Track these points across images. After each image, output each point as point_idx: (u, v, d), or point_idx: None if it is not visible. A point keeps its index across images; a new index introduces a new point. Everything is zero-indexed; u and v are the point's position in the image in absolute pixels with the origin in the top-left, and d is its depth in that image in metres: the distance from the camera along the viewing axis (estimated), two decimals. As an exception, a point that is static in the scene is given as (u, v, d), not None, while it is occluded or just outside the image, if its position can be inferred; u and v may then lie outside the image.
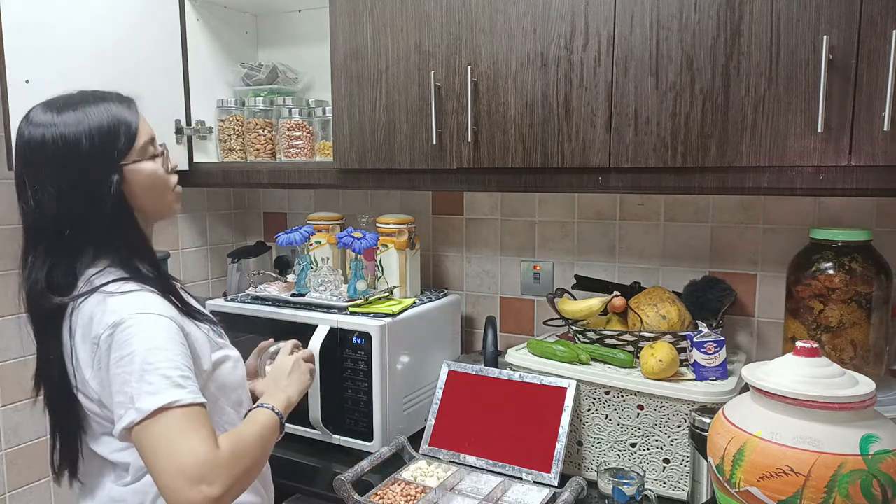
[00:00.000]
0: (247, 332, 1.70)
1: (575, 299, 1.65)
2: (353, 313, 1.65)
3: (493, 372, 1.60)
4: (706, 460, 1.16)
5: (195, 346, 1.10)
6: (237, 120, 1.98)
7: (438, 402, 1.62)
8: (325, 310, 1.69)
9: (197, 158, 1.97)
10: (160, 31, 1.84)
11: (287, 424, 1.20)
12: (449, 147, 1.52)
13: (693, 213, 1.71)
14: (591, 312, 1.58)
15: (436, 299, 1.84)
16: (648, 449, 1.43)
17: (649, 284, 1.70)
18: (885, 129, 1.13)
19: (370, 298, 1.73)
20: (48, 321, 1.09)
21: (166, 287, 1.12)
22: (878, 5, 1.12)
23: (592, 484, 1.43)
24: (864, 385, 1.02)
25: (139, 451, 0.99)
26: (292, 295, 1.78)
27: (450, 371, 1.64)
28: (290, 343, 1.39)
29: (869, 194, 1.26)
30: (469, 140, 1.48)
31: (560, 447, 1.44)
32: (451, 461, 1.54)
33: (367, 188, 1.89)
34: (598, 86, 1.36)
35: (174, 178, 1.20)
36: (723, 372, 1.41)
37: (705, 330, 1.43)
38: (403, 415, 1.68)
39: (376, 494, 1.41)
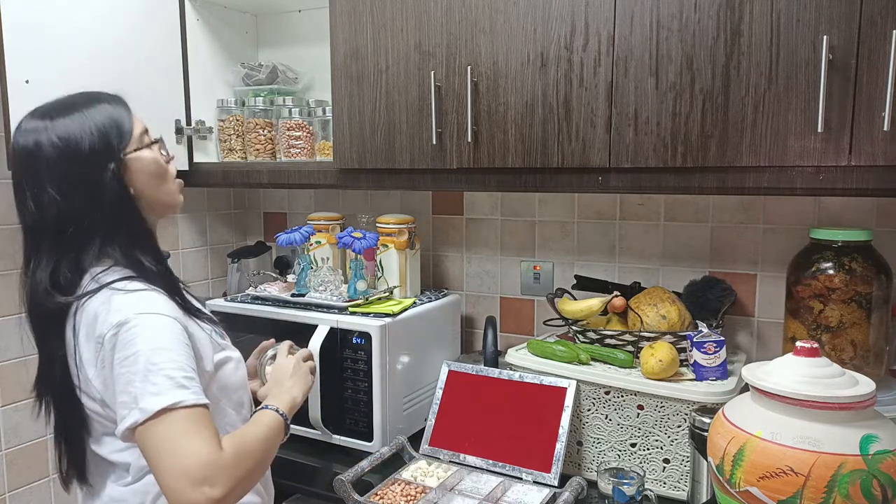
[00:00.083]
0: (247, 333, 1.70)
1: (575, 299, 1.65)
2: (353, 313, 1.65)
3: (493, 372, 1.60)
4: (706, 460, 1.16)
5: (198, 347, 1.09)
6: (237, 120, 1.98)
7: (438, 402, 1.62)
8: (325, 310, 1.69)
9: (197, 158, 1.97)
10: (160, 31, 1.84)
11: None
12: (449, 147, 1.52)
13: (693, 213, 1.71)
14: (591, 312, 1.58)
15: (436, 299, 1.84)
16: (648, 449, 1.43)
17: (649, 284, 1.70)
18: (885, 129, 1.13)
19: (370, 298, 1.73)
20: (51, 321, 1.09)
21: (171, 287, 1.12)
22: (878, 5, 1.12)
23: (592, 484, 1.43)
24: (864, 385, 1.02)
25: (142, 451, 0.99)
26: (292, 295, 1.78)
27: (450, 371, 1.64)
28: (286, 344, 1.39)
29: (869, 194, 1.26)
30: (469, 140, 1.48)
31: (560, 447, 1.44)
32: (451, 461, 1.54)
33: (367, 188, 1.89)
34: (598, 86, 1.36)
35: (173, 168, 1.21)
36: (723, 372, 1.41)
37: (705, 330, 1.43)
38: (403, 415, 1.68)
39: (376, 494, 1.41)
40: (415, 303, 1.76)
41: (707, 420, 1.23)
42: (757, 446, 1.01)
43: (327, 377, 1.62)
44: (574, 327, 1.62)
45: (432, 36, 1.51)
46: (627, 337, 1.51)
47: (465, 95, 1.47)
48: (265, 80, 1.99)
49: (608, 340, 1.54)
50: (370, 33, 1.59)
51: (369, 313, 1.64)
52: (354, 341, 1.60)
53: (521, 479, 1.46)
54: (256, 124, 1.95)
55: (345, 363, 1.62)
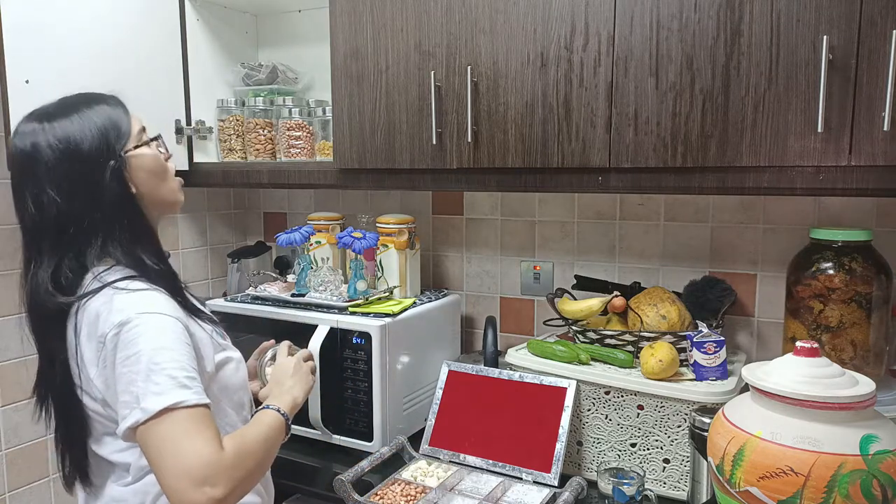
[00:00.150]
0: (247, 333, 1.70)
1: (575, 299, 1.65)
2: (353, 313, 1.65)
3: (493, 372, 1.60)
4: (706, 460, 1.16)
5: (199, 347, 1.10)
6: (237, 120, 1.98)
7: (438, 402, 1.62)
8: (325, 310, 1.69)
9: (197, 158, 1.97)
10: (160, 31, 1.84)
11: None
12: (449, 147, 1.52)
13: (693, 213, 1.71)
14: (591, 312, 1.58)
15: (436, 299, 1.84)
16: (648, 449, 1.43)
17: (649, 284, 1.70)
18: (885, 129, 1.13)
19: (370, 298, 1.73)
20: (52, 321, 1.09)
21: (173, 286, 1.13)
22: (878, 5, 1.12)
23: (592, 484, 1.43)
24: (864, 385, 1.02)
25: (143, 451, 0.99)
26: (292, 295, 1.78)
27: (450, 371, 1.64)
28: (285, 345, 1.39)
29: (869, 194, 1.26)
30: (469, 140, 1.48)
31: (560, 447, 1.44)
32: (451, 461, 1.54)
33: (367, 188, 1.89)
34: (598, 86, 1.36)
35: (172, 166, 1.21)
36: (723, 372, 1.41)
37: (705, 330, 1.43)
38: (403, 415, 1.68)
39: (376, 494, 1.41)
40: (415, 303, 1.76)
41: (707, 420, 1.23)
42: (757, 446, 1.01)
43: (327, 377, 1.62)
44: (574, 327, 1.62)
45: (432, 36, 1.51)
46: (627, 337, 1.51)
47: (465, 95, 1.47)
48: (265, 80, 1.99)
49: (608, 340, 1.54)
50: (370, 33, 1.59)
51: (369, 313, 1.64)
52: (354, 341, 1.60)
53: (521, 479, 1.46)
54: (256, 124, 1.95)
55: (345, 363, 1.62)
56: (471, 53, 1.47)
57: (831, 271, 1.39)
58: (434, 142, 1.51)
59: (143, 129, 1.16)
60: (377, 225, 1.85)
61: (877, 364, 1.40)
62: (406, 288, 1.83)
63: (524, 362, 1.57)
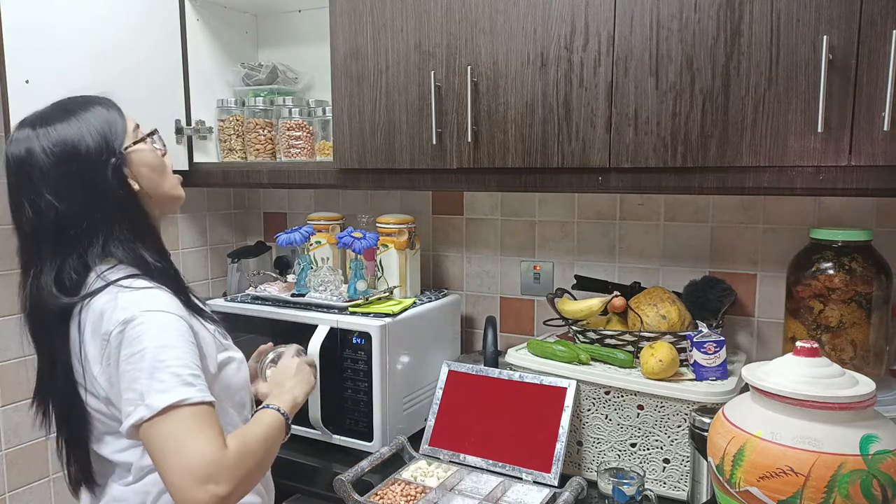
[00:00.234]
0: (247, 333, 1.70)
1: (575, 299, 1.65)
2: (353, 313, 1.65)
3: (493, 372, 1.60)
4: (706, 460, 1.16)
5: (203, 347, 1.10)
6: (237, 120, 1.98)
7: (438, 402, 1.62)
8: (325, 310, 1.69)
9: (197, 158, 1.97)
10: (160, 31, 1.84)
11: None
12: (449, 147, 1.52)
13: (693, 213, 1.71)
14: (591, 312, 1.58)
15: (436, 299, 1.84)
16: (648, 449, 1.43)
17: (649, 284, 1.70)
18: (885, 129, 1.13)
19: (370, 298, 1.73)
20: (55, 323, 1.09)
21: (176, 285, 1.13)
22: (878, 5, 1.12)
23: (592, 484, 1.43)
24: (864, 385, 1.02)
25: (147, 448, 0.99)
26: (292, 295, 1.78)
27: (450, 371, 1.64)
28: (293, 347, 1.39)
29: (869, 194, 1.26)
30: (469, 140, 1.48)
31: (560, 447, 1.44)
32: (451, 461, 1.54)
33: (367, 188, 1.89)
34: (598, 86, 1.36)
35: (169, 161, 1.21)
36: (723, 372, 1.41)
37: (705, 330, 1.43)
38: (403, 415, 1.68)
39: (376, 494, 1.41)
40: (415, 303, 1.76)
41: (707, 420, 1.23)
42: (757, 446, 1.01)
43: (327, 377, 1.62)
44: (574, 327, 1.62)
45: (432, 36, 1.51)
46: (627, 337, 1.51)
47: (465, 95, 1.47)
48: (265, 80, 2.00)
49: (608, 340, 1.54)
50: (370, 33, 1.59)
51: (369, 313, 1.64)
52: (354, 341, 1.60)
53: (521, 479, 1.46)
54: (256, 124, 1.95)
55: (345, 363, 1.62)
56: (471, 53, 1.47)
57: (831, 271, 1.39)
58: (434, 142, 1.51)
59: (138, 127, 1.17)
60: (377, 225, 1.85)
61: (877, 364, 1.40)
62: (406, 288, 1.83)
63: (524, 362, 1.57)
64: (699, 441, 1.26)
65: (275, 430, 1.12)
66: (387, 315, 1.63)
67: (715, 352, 1.41)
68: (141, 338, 1.00)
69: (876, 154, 1.15)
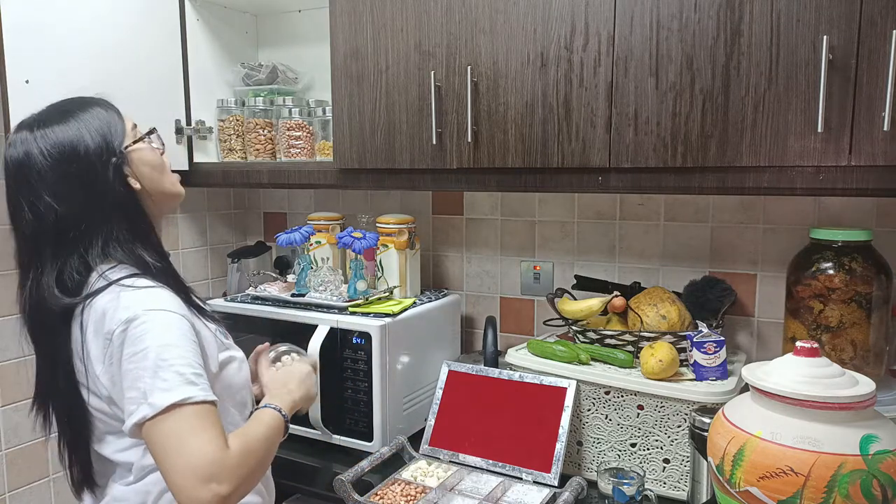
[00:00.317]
0: (247, 333, 1.70)
1: (575, 299, 1.65)
2: (353, 313, 1.65)
3: (493, 372, 1.60)
4: (706, 460, 1.16)
5: (204, 346, 1.10)
6: (237, 120, 1.98)
7: (438, 402, 1.62)
8: (325, 310, 1.69)
9: (197, 158, 1.97)
10: (160, 31, 1.84)
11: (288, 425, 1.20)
12: (449, 147, 1.52)
13: (693, 213, 1.71)
14: (591, 312, 1.58)
15: (436, 299, 1.84)
16: (648, 449, 1.43)
17: (649, 284, 1.70)
18: (885, 129, 1.13)
19: (370, 298, 1.73)
20: (56, 323, 1.09)
21: (178, 285, 1.13)
22: (878, 5, 1.12)
23: (592, 484, 1.43)
24: (864, 385, 1.02)
25: (149, 447, 0.99)
26: (292, 295, 1.78)
27: (450, 371, 1.64)
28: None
29: (869, 194, 1.26)
30: (469, 140, 1.48)
31: (560, 447, 1.44)
32: (451, 461, 1.54)
33: (367, 188, 1.89)
34: (598, 86, 1.36)
35: (167, 159, 1.22)
36: (723, 372, 1.41)
37: (705, 330, 1.43)
38: (403, 415, 1.68)
39: (376, 494, 1.41)
40: (415, 303, 1.76)
41: (707, 420, 1.23)
42: (757, 446, 1.01)
43: (327, 377, 1.62)
44: (574, 327, 1.62)
45: (432, 36, 1.51)
46: (627, 337, 1.51)
47: (465, 95, 1.47)
48: (265, 80, 2.00)
49: (608, 340, 1.54)
50: (370, 33, 1.59)
51: (369, 313, 1.64)
52: (354, 341, 1.60)
53: (521, 479, 1.46)
54: (256, 124, 1.95)
55: (345, 363, 1.62)
56: (471, 53, 1.47)
57: (831, 271, 1.39)
58: (434, 142, 1.52)
59: (136, 126, 1.17)
60: (377, 225, 1.85)
61: (877, 364, 1.40)
62: (406, 288, 1.83)
63: (524, 362, 1.57)
64: (699, 441, 1.26)
65: (275, 430, 1.12)
66: (387, 315, 1.63)
67: (715, 352, 1.41)
68: (144, 337, 1.00)
69: (876, 154, 1.15)
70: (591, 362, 1.52)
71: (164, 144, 1.22)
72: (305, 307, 1.72)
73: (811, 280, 1.41)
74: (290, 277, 1.91)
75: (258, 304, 1.77)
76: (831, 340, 1.39)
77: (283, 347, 1.42)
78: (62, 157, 1.07)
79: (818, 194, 1.42)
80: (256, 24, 2.19)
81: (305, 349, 1.51)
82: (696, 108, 1.28)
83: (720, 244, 1.69)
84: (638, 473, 1.37)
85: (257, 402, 1.32)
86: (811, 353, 1.05)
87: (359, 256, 1.74)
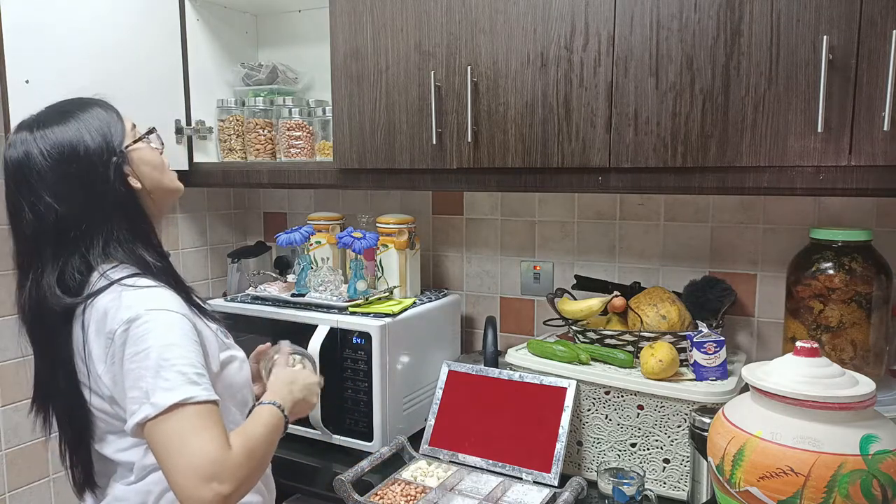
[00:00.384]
0: (247, 333, 1.70)
1: (575, 299, 1.65)
2: (353, 313, 1.65)
3: (493, 372, 1.60)
4: (706, 460, 1.16)
5: (206, 345, 1.10)
6: (237, 120, 1.98)
7: (438, 402, 1.62)
8: (325, 310, 1.69)
9: (197, 158, 1.97)
10: (160, 31, 1.84)
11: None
12: (449, 147, 1.52)
13: (693, 213, 1.71)
14: (591, 312, 1.58)
15: (436, 299, 1.84)
16: (648, 449, 1.43)
17: (649, 284, 1.70)
18: (885, 129, 1.13)
19: (370, 298, 1.73)
20: (57, 324, 1.09)
21: (179, 285, 1.13)
22: (878, 5, 1.12)
23: (592, 484, 1.43)
24: (864, 385, 1.02)
25: (151, 446, 0.99)
26: (292, 295, 1.78)
27: (450, 371, 1.64)
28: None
29: (869, 194, 1.26)
30: (469, 140, 1.48)
31: (560, 447, 1.44)
32: (451, 461, 1.54)
33: (367, 188, 1.89)
34: (598, 86, 1.36)
35: (166, 158, 1.22)
36: (723, 372, 1.41)
37: (705, 330, 1.43)
38: (403, 415, 1.68)
39: (376, 494, 1.41)
40: (415, 303, 1.76)
41: (707, 420, 1.23)
42: (757, 446, 1.01)
43: (327, 377, 1.61)
44: (574, 327, 1.62)
45: (432, 36, 1.51)
46: (627, 337, 1.51)
47: (465, 95, 1.47)
48: (265, 80, 2.00)
49: (608, 340, 1.54)
50: (370, 33, 1.59)
51: (369, 313, 1.64)
52: (354, 341, 1.60)
53: (521, 479, 1.46)
54: (256, 124, 1.95)
55: (345, 363, 1.62)
56: (471, 53, 1.47)
57: (831, 271, 1.39)
58: (434, 142, 1.51)
59: (135, 126, 1.18)
60: (377, 225, 1.85)
61: (877, 364, 1.40)
62: (406, 288, 1.83)
63: (524, 362, 1.57)
64: (699, 441, 1.26)
65: (274, 428, 1.12)
66: (387, 315, 1.63)
67: (715, 352, 1.41)
68: (146, 336, 1.01)
69: (876, 154, 1.15)
70: (591, 362, 1.52)
71: (163, 144, 1.22)
72: (305, 307, 1.72)
73: (811, 280, 1.41)
74: (290, 277, 1.91)
75: (258, 304, 1.77)
76: (831, 340, 1.39)
77: (286, 347, 1.42)
78: (62, 158, 1.07)
79: (818, 194, 1.42)
80: (256, 24, 2.19)
81: (305, 349, 1.51)
82: (696, 108, 1.28)
83: (720, 244, 1.69)
84: (638, 473, 1.37)
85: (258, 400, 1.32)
86: (811, 353, 1.05)
87: (359, 256, 1.74)
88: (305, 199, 2.27)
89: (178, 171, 1.25)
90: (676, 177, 1.33)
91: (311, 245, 1.88)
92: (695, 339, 1.42)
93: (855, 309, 1.37)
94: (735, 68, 1.24)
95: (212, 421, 0.99)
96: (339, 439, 1.65)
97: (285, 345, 1.41)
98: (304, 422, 1.64)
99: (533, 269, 1.92)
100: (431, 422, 1.61)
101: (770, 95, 1.22)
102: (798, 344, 1.06)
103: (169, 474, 0.96)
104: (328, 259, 1.86)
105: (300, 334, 1.60)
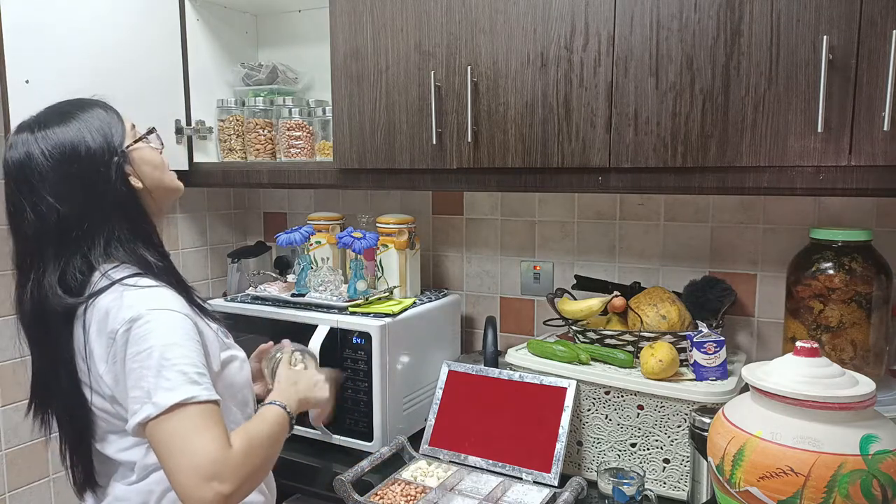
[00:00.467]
0: (247, 333, 1.70)
1: (575, 299, 1.65)
2: (353, 313, 1.65)
3: (493, 372, 1.60)
4: (706, 460, 1.16)
5: (207, 345, 1.10)
6: (237, 120, 1.98)
7: (438, 402, 1.62)
8: (325, 310, 1.69)
9: (197, 158, 1.97)
10: (160, 31, 1.84)
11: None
12: (449, 147, 1.52)
13: (693, 213, 1.71)
14: (591, 312, 1.58)
15: (436, 299, 1.84)
16: (648, 449, 1.43)
17: (649, 284, 1.70)
18: (885, 129, 1.13)
19: (370, 298, 1.73)
20: (60, 323, 1.09)
21: (180, 284, 1.14)
22: (878, 5, 1.12)
23: (592, 484, 1.43)
24: (864, 385, 1.02)
25: (153, 446, 0.99)
26: (292, 295, 1.78)
27: (450, 371, 1.64)
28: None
29: (869, 194, 1.26)
30: (469, 140, 1.48)
31: (560, 447, 1.44)
32: (451, 461, 1.54)
33: (367, 188, 1.89)
34: (598, 86, 1.36)
35: (166, 158, 1.22)
36: (723, 372, 1.41)
37: (705, 330, 1.43)
38: (403, 415, 1.68)
39: (376, 494, 1.41)
40: (415, 303, 1.76)
41: (707, 420, 1.23)
42: (757, 446, 1.01)
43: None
44: (574, 327, 1.62)
45: (432, 36, 1.51)
46: (627, 337, 1.51)
47: (465, 95, 1.47)
48: (265, 80, 2.00)
49: (608, 340, 1.54)
50: (370, 33, 1.59)
51: (369, 313, 1.64)
52: (354, 341, 1.60)
53: (521, 479, 1.46)
54: (256, 124, 1.95)
55: (345, 363, 1.62)
56: (471, 53, 1.47)
57: (831, 271, 1.39)
58: (434, 142, 1.52)
59: (134, 126, 1.18)
60: (377, 225, 1.85)
61: (877, 364, 1.40)
62: (406, 288, 1.83)
63: (524, 362, 1.57)
64: (699, 441, 1.26)
65: (279, 428, 1.12)
66: (387, 315, 1.63)
67: (715, 352, 1.41)
68: (147, 336, 1.01)
69: (876, 154, 1.15)
70: (591, 362, 1.52)
71: (162, 144, 1.23)
72: (305, 307, 1.72)
73: (811, 280, 1.41)
74: (290, 277, 1.91)
75: (258, 304, 1.77)
76: (831, 340, 1.39)
77: (289, 347, 1.42)
78: (63, 158, 1.07)
79: (818, 194, 1.42)
80: (256, 24, 2.19)
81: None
82: (696, 108, 1.28)
83: (720, 244, 1.69)
84: (638, 473, 1.37)
85: (260, 401, 1.32)
86: (811, 353, 1.05)
87: (359, 256, 1.74)
88: (305, 199, 2.27)
89: (178, 171, 1.25)
90: (676, 177, 1.33)
91: (311, 245, 1.88)
92: (695, 339, 1.42)
93: (855, 309, 1.37)
94: (735, 68, 1.24)
95: (213, 421, 0.99)
96: (339, 439, 1.65)
97: (288, 343, 1.41)
98: (305, 422, 1.64)
99: (533, 269, 1.92)
100: (431, 422, 1.61)
101: (770, 95, 1.22)
102: (798, 344, 1.06)
103: (170, 474, 0.97)
104: (328, 259, 1.86)
105: (300, 334, 1.60)
